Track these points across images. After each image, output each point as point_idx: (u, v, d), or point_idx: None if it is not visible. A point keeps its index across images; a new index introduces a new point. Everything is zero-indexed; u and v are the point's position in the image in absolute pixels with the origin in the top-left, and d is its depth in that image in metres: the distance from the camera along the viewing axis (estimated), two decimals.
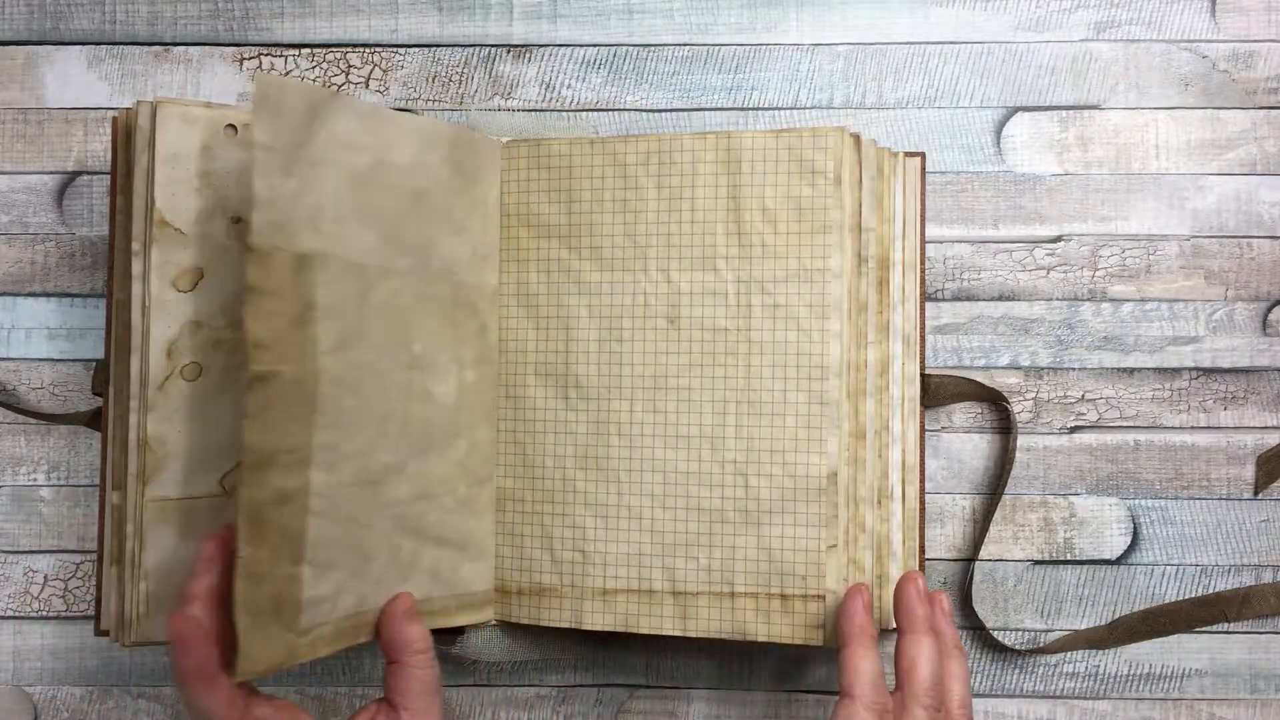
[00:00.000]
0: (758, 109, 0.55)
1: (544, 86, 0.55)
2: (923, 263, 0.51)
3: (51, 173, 0.55)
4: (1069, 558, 0.53)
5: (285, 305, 0.41)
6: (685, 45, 0.55)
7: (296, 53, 0.55)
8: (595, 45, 0.55)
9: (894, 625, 0.46)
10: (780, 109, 0.55)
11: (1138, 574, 0.53)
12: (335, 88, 0.55)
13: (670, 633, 0.49)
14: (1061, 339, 0.54)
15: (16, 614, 0.54)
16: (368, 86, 0.55)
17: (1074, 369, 0.54)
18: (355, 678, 0.54)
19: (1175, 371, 0.54)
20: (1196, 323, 0.54)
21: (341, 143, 0.44)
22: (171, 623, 0.39)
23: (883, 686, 0.43)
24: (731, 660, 0.54)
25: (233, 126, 0.47)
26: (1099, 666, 0.53)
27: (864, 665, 0.43)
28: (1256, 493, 0.53)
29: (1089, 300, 0.54)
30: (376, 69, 0.55)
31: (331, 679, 0.54)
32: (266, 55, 0.55)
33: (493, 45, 0.56)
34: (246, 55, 0.55)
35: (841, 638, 0.45)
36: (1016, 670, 0.53)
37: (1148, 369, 0.54)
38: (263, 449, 0.41)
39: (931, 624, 0.45)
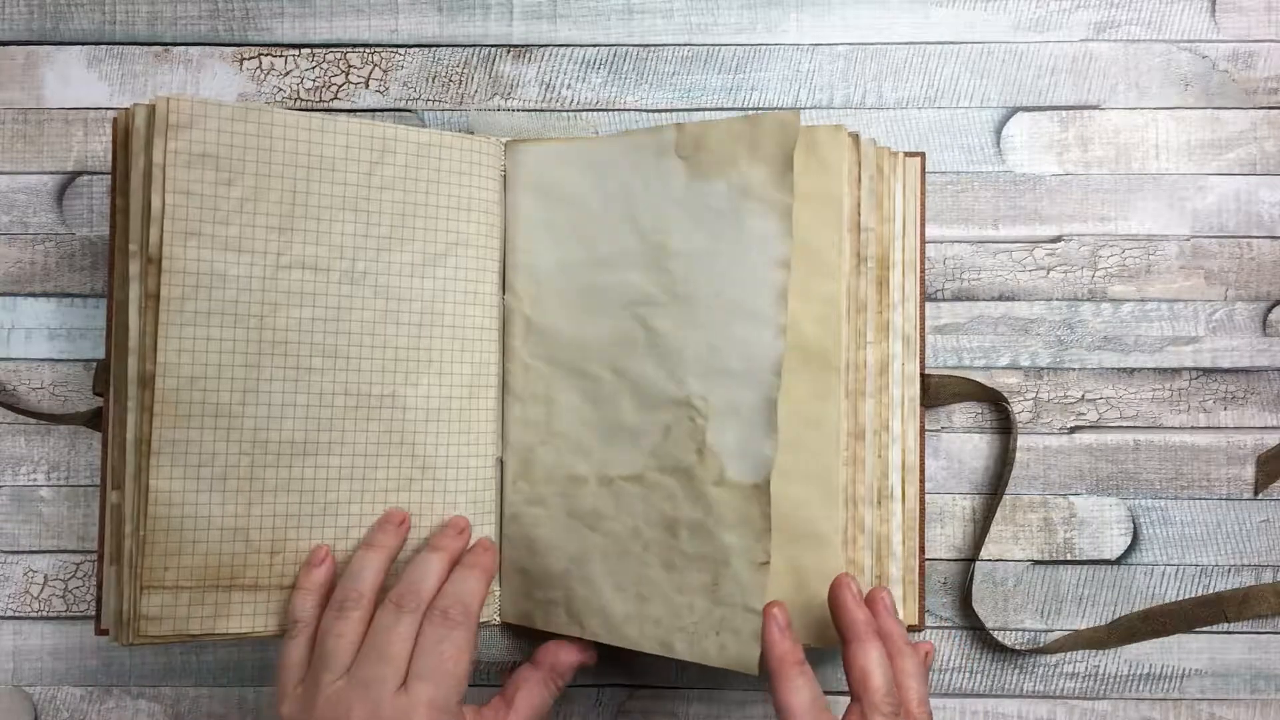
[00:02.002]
0: (758, 109, 0.55)
1: (544, 87, 0.55)
2: (922, 262, 0.51)
3: (51, 173, 0.55)
4: (1069, 558, 0.53)
5: None
6: (685, 45, 0.55)
7: (296, 53, 0.55)
8: (595, 45, 0.56)
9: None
10: (780, 109, 0.55)
11: (1138, 574, 0.53)
12: (335, 88, 0.55)
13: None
14: (1061, 339, 0.54)
15: (16, 614, 0.54)
16: (368, 86, 0.55)
17: (1074, 369, 0.54)
18: None
19: (1175, 371, 0.54)
20: (1196, 323, 0.54)
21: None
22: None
23: (824, 712, 0.41)
24: None
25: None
26: (1099, 666, 0.53)
27: (794, 700, 0.41)
28: (1256, 493, 0.53)
29: (1089, 300, 0.54)
30: (376, 69, 0.55)
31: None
32: (266, 55, 0.55)
33: (493, 45, 0.56)
34: (246, 55, 0.55)
35: (768, 670, 0.42)
36: (1016, 670, 0.53)
37: (1148, 369, 0.54)
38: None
39: (875, 626, 0.43)
